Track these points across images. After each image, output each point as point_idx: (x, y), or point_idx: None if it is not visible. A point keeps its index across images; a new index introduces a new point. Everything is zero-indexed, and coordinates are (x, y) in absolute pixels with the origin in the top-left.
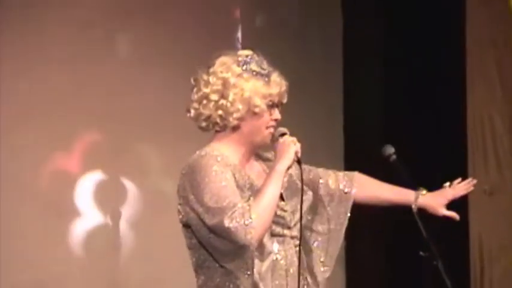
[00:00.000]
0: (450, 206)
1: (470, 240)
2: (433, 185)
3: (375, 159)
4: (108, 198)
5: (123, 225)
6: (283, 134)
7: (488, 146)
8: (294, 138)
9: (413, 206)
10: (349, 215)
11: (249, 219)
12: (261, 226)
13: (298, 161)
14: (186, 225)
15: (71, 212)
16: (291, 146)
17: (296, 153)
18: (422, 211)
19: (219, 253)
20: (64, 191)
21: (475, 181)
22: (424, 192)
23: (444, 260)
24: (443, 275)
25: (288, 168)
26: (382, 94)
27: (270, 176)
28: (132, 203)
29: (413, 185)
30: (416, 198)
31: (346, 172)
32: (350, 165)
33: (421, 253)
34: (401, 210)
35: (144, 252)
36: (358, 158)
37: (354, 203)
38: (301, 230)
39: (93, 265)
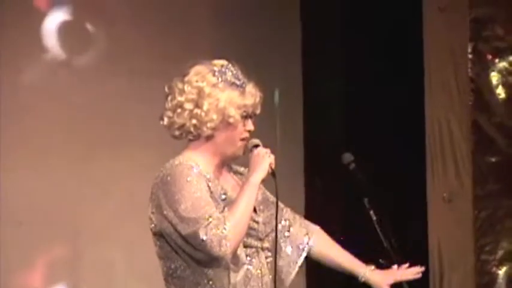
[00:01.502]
0: (411, 214)
1: (429, 248)
2: (392, 192)
3: (334, 165)
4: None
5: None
6: (256, 146)
7: (447, 152)
8: (268, 150)
9: (360, 277)
10: (299, 265)
11: (224, 230)
12: (236, 237)
13: (273, 174)
14: (158, 234)
15: None
16: (265, 158)
17: (270, 165)
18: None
19: (196, 262)
20: None
21: (422, 269)
22: (373, 267)
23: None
24: (402, 283)
25: (262, 180)
26: (342, 99)
27: (244, 188)
28: (100, 210)
29: (371, 193)
30: (365, 273)
31: (309, 224)
32: (310, 171)
33: (380, 261)
34: (361, 219)
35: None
36: (317, 163)
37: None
38: (276, 242)
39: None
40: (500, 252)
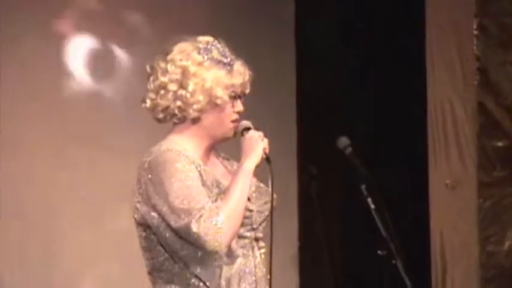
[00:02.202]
0: (411, 201)
1: (431, 238)
2: (391, 179)
3: (330, 150)
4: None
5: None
6: (248, 128)
7: (450, 135)
8: (261, 133)
9: None
10: None
11: (218, 222)
12: (231, 229)
13: (267, 159)
14: (144, 225)
15: None
16: (258, 143)
17: (264, 150)
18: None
19: (185, 258)
20: None
21: None
22: None
23: (404, 259)
24: (402, 275)
25: (257, 166)
26: (339, 80)
27: (237, 176)
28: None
29: (369, 179)
30: None
31: None
32: (303, 157)
33: (379, 252)
34: (359, 208)
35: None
36: (311, 148)
37: None
38: (271, 233)
39: None
40: (507, 244)
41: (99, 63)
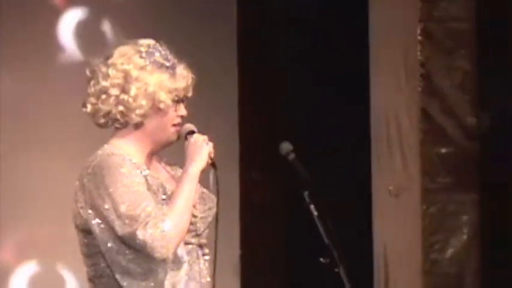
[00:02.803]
0: (354, 208)
1: (375, 245)
2: (335, 185)
3: (273, 156)
4: None
5: None
6: (191, 132)
7: (394, 141)
8: (205, 137)
9: None
10: None
11: (165, 229)
12: (178, 236)
13: (213, 164)
14: (86, 231)
15: None
16: (203, 147)
17: (209, 154)
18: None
19: (124, 269)
20: None
21: None
22: None
23: (346, 267)
24: (345, 283)
25: (202, 171)
26: (282, 86)
27: (183, 181)
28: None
29: (312, 186)
30: None
31: None
32: (246, 163)
33: (321, 260)
34: (301, 215)
35: None
36: (253, 154)
37: None
38: (216, 238)
39: None
40: (450, 251)
41: None
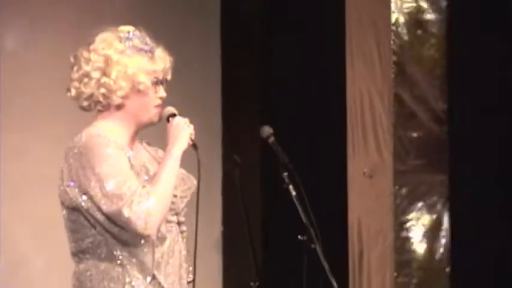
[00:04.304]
0: (331, 189)
1: (349, 224)
2: (312, 167)
3: (254, 138)
4: None
5: None
6: (173, 115)
7: (368, 125)
8: (187, 120)
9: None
10: None
11: (149, 207)
12: (161, 213)
13: (194, 145)
14: (71, 208)
15: None
16: (184, 129)
17: (190, 136)
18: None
19: (116, 240)
20: None
21: None
22: None
23: (322, 244)
24: (321, 259)
25: (183, 152)
26: (262, 71)
27: (165, 161)
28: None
29: (291, 167)
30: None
31: None
32: (228, 145)
33: (299, 237)
34: (281, 195)
35: None
36: (235, 137)
37: None
38: (197, 217)
39: None
40: (420, 230)
41: None
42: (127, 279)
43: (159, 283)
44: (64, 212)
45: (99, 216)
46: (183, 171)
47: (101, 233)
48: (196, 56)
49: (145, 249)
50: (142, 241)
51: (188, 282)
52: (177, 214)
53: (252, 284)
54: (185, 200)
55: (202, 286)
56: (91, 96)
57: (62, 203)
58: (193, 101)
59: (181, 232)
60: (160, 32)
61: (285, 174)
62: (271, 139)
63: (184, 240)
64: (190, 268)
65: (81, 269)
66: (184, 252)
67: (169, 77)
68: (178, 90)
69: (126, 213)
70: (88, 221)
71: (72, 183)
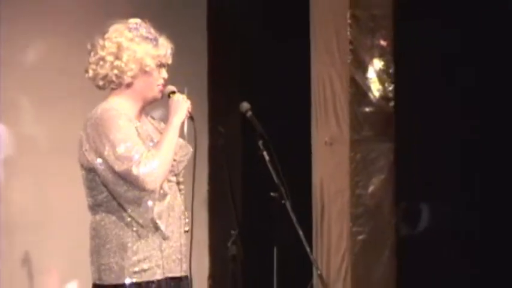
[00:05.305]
0: (296, 156)
1: (313, 184)
2: (284, 137)
3: (235, 112)
4: None
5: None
6: (173, 92)
7: (329, 103)
8: (185, 96)
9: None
10: None
11: (154, 167)
12: (163, 173)
13: (191, 117)
14: (88, 169)
15: None
16: (183, 103)
17: (188, 109)
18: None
19: (122, 198)
20: None
21: None
22: None
23: (291, 200)
24: (290, 212)
25: (182, 122)
26: (243, 55)
27: (167, 130)
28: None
29: (266, 136)
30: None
31: None
32: (213, 118)
33: (272, 194)
34: (257, 161)
35: None
36: (219, 111)
37: None
38: (194, 177)
39: None
40: (371, 188)
41: None
42: (134, 228)
43: (161, 231)
44: (83, 172)
45: (110, 176)
46: (181, 140)
47: (112, 190)
48: (184, 38)
49: (150, 204)
50: (147, 197)
51: (185, 231)
52: (176, 175)
53: (232, 232)
54: (183, 164)
55: (193, 235)
56: (105, 76)
57: (81, 165)
58: (183, 81)
59: (180, 190)
60: (153, 14)
61: (260, 142)
62: (249, 113)
63: (182, 197)
64: (187, 220)
65: (97, 219)
66: (182, 207)
67: (170, 62)
68: (171, 72)
69: (135, 171)
70: (101, 180)
71: (89, 148)
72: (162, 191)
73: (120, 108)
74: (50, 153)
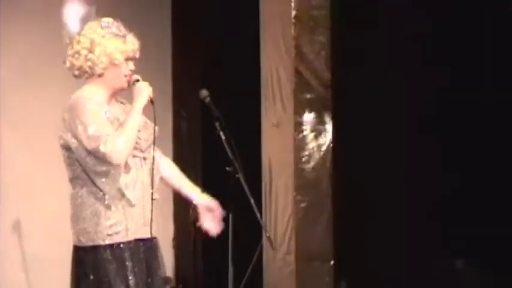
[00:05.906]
0: (248, 136)
1: (263, 160)
2: (237, 120)
3: (195, 98)
4: None
5: None
6: (137, 80)
7: (276, 91)
8: (147, 83)
9: (194, 200)
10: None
11: (119, 144)
12: (128, 149)
13: (151, 101)
14: (66, 147)
15: None
16: (145, 89)
17: (149, 94)
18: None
19: (93, 172)
20: None
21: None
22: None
23: (244, 174)
24: (243, 184)
25: (144, 106)
26: (204, 49)
27: (131, 113)
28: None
29: (222, 119)
30: (195, 206)
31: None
32: (176, 104)
33: (227, 168)
34: (214, 140)
35: None
36: (181, 97)
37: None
38: (153, 154)
39: None
40: (312, 163)
41: None
42: (106, 197)
43: (128, 199)
44: (63, 151)
45: (83, 153)
46: (147, 121)
47: (84, 165)
48: (148, 30)
49: (116, 177)
50: (113, 170)
51: (152, 200)
52: (142, 151)
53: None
54: (148, 142)
55: (160, 204)
56: (80, 67)
57: (61, 145)
58: (150, 69)
59: (146, 164)
60: (120, 9)
61: (217, 124)
62: (208, 99)
63: (149, 170)
64: (154, 189)
65: (76, 191)
66: (148, 180)
67: (137, 56)
68: (140, 63)
69: (102, 149)
70: (76, 156)
71: (65, 129)
72: (127, 165)
73: (93, 95)
74: (37, 133)
